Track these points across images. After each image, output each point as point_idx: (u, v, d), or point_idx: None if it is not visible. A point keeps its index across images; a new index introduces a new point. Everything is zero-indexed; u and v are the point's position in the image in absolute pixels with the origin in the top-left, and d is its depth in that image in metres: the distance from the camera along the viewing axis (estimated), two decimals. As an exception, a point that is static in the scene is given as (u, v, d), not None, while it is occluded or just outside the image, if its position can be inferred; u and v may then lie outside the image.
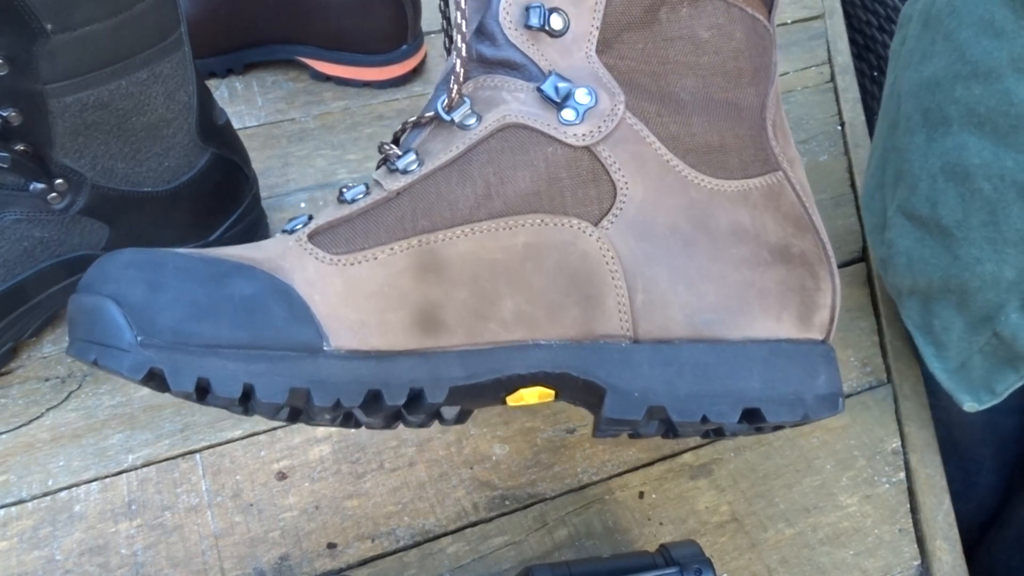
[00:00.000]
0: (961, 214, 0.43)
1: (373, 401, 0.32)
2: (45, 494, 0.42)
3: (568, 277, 0.33)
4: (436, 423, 0.36)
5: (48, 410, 0.46)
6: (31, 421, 0.45)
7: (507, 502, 0.43)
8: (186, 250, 0.33)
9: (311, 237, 0.33)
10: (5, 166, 0.42)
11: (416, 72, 0.69)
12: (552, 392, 0.35)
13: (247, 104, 0.66)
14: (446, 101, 0.34)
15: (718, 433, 0.37)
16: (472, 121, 0.34)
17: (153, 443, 0.44)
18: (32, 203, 0.44)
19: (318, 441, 0.45)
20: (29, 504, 0.42)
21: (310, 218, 0.35)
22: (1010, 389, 0.43)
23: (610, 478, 0.44)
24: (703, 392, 0.33)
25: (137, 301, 0.31)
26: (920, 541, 0.44)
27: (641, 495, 0.44)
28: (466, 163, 0.33)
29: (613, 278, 0.33)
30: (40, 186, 0.43)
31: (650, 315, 0.33)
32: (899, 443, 0.47)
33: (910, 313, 0.48)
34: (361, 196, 0.34)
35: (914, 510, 0.45)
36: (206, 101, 0.49)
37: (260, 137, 0.63)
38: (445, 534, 0.42)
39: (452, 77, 0.34)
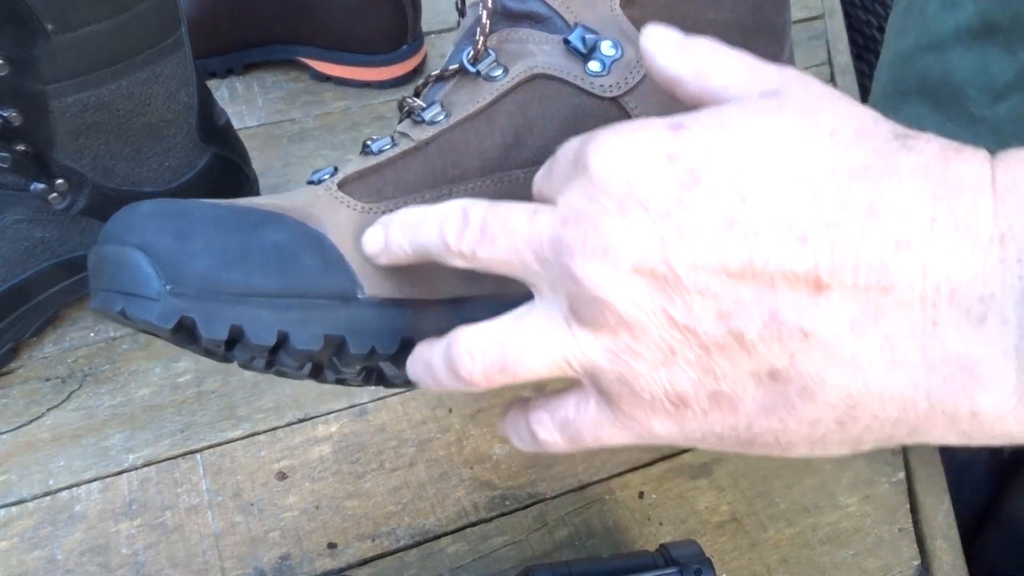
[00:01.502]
0: None
1: (406, 350, 0.32)
2: (46, 494, 0.42)
3: None
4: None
5: (49, 410, 0.46)
6: (32, 421, 0.45)
7: (507, 502, 0.43)
8: (212, 200, 0.33)
9: (340, 186, 0.33)
10: (6, 166, 0.42)
11: (416, 72, 0.69)
12: None
13: (247, 104, 0.66)
14: (471, 53, 0.34)
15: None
16: (499, 72, 0.34)
17: (153, 443, 0.44)
18: (33, 203, 0.44)
19: (318, 441, 0.45)
20: (30, 504, 0.42)
21: (336, 169, 0.35)
22: None
23: (610, 478, 0.44)
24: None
25: (165, 249, 0.30)
26: (920, 541, 0.44)
27: (641, 495, 0.44)
28: (494, 113, 0.33)
29: None
30: (41, 186, 0.43)
31: None
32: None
33: None
34: (388, 147, 0.34)
35: (914, 510, 0.45)
36: (206, 101, 0.49)
37: (260, 137, 0.63)
38: (445, 534, 0.42)
39: (478, 29, 0.34)
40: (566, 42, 0.33)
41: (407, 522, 0.42)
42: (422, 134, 0.34)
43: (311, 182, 0.35)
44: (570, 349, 0.25)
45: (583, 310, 0.25)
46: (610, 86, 0.33)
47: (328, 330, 0.31)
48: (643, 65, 0.33)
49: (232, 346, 0.31)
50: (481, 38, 0.34)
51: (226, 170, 0.52)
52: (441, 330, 0.32)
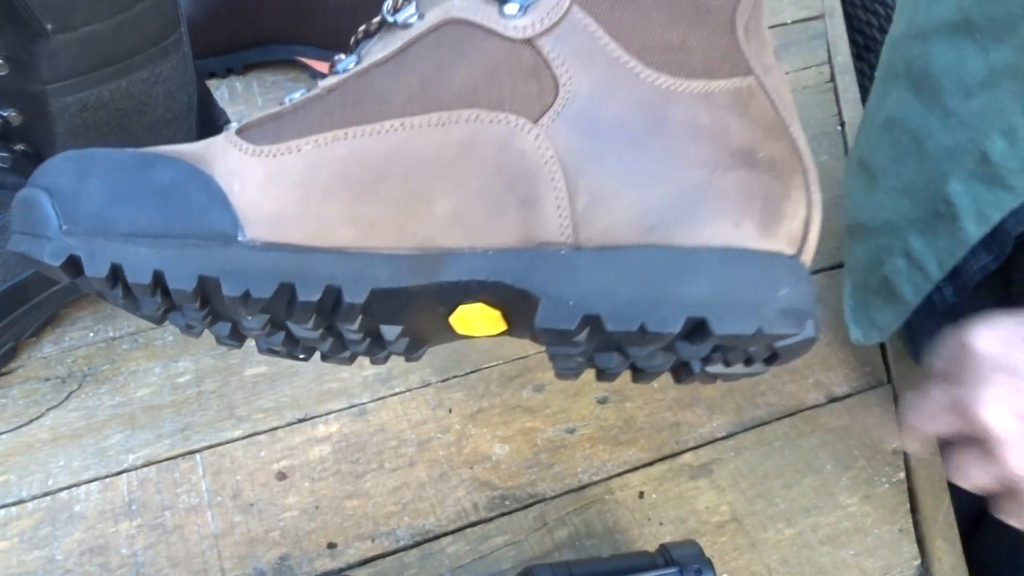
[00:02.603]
0: (885, 163, 0.46)
1: (287, 296, 0.31)
2: (45, 494, 0.42)
3: (505, 178, 0.31)
4: (386, 351, 0.35)
5: (48, 410, 0.46)
6: (31, 421, 0.45)
7: (507, 502, 0.43)
8: (121, 149, 0.34)
9: (239, 132, 0.33)
10: (5, 166, 0.42)
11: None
12: (499, 314, 0.33)
13: (247, 104, 0.66)
14: (390, 4, 0.33)
15: (683, 370, 0.34)
16: (415, 19, 0.33)
17: (153, 443, 0.44)
18: (32, 203, 0.44)
19: (318, 441, 0.45)
20: (29, 504, 0.42)
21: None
22: (891, 328, 0.46)
23: (610, 478, 0.44)
24: (644, 297, 0.30)
25: (65, 190, 0.32)
26: (920, 541, 0.44)
27: (641, 495, 0.44)
28: (403, 59, 0.32)
29: (552, 179, 0.31)
30: (40, 186, 0.43)
31: (592, 219, 0.31)
32: (899, 443, 0.47)
33: (846, 253, 0.52)
34: (299, 96, 0.34)
35: (914, 510, 0.45)
36: (206, 101, 0.49)
37: (260, 137, 0.63)
38: (445, 534, 0.42)
39: None
40: None
41: (407, 522, 0.42)
42: (330, 82, 0.33)
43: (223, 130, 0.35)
44: None
45: None
46: (524, 27, 0.31)
47: (203, 270, 0.31)
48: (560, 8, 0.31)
49: (116, 283, 0.32)
50: None
51: (226, 170, 0.52)
52: (326, 278, 0.31)
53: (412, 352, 0.36)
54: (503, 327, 0.33)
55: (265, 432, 0.45)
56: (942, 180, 0.41)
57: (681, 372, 0.34)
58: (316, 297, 0.31)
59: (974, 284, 0.45)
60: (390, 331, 0.34)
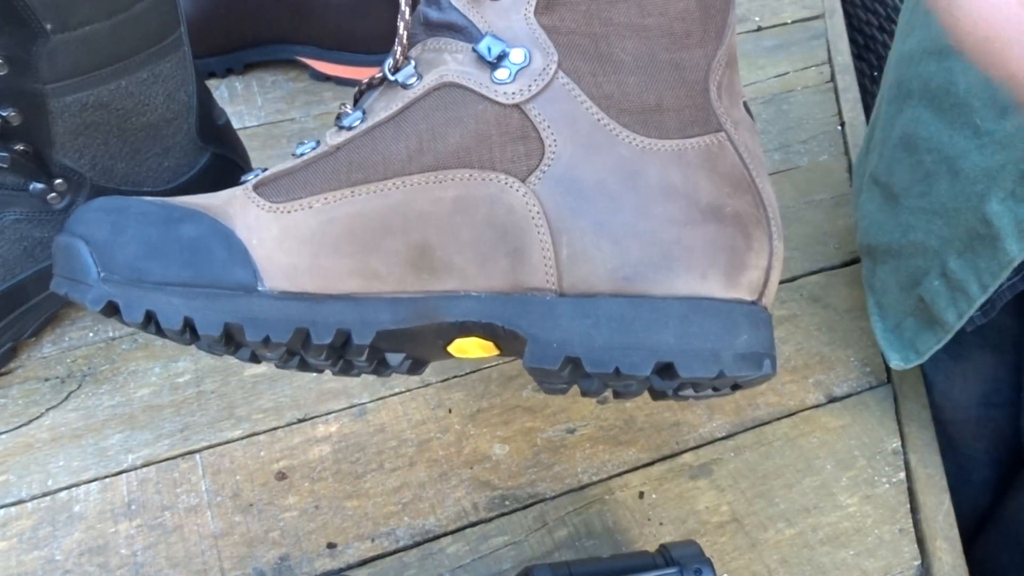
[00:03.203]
0: (907, 183, 0.46)
1: (302, 339, 0.35)
2: (45, 494, 0.42)
3: (496, 230, 0.34)
4: (392, 372, 0.39)
5: (48, 410, 0.46)
6: (31, 421, 0.45)
7: (507, 502, 0.43)
8: (149, 198, 0.37)
9: (256, 187, 0.36)
10: (5, 166, 0.42)
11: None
12: (492, 344, 0.36)
13: (247, 104, 0.66)
14: (392, 63, 0.36)
15: (658, 394, 0.37)
16: (413, 81, 0.35)
17: (153, 443, 0.44)
18: (32, 203, 0.44)
19: (318, 441, 0.45)
20: (29, 504, 0.42)
21: (264, 170, 0.38)
22: (931, 351, 0.45)
23: (610, 478, 0.44)
24: (617, 344, 0.34)
25: (102, 240, 0.36)
26: (920, 541, 0.44)
27: (641, 495, 0.44)
28: (402, 120, 0.35)
29: (538, 232, 0.34)
30: (40, 186, 0.43)
31: (574, 269, 0.34)
32: (899, 443, 0.47)
33: (866, 273, 0.51)
34: (309, 151, 0.37)
35: (914, 510, 0.45)
36: (206, 101, 0.49)
37: (260, 137, 0.63)
38: (445, 534, 0.42)
39: (396, 40, 0.36)
40: (474, 50, 0.35)
41: (407, 522, 0.42)
42: (337, 139, 0.36)
43: (241, 181, 0.38)
44: None
45: None
46: (513, 93, 0.34)
47: (228, 318, 0.35)
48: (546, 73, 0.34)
49: (153, 327, 0.35)
50: (399, 48, 0.36)
51: (226, 170, 0.52)
52: (336, 323, 0.35)
53: (414, 372, 0.39)
54: (496, 352, 0.37)
55: (265, 432, 0.45)
56: (979, 200, 0.41)
57: (656, 395, 0.38)
58: (328, 340, 0.35)
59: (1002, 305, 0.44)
60: (394, 358, 0.37)
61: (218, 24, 0.64)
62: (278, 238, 0.35)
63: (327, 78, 0.68)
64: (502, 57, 0.34)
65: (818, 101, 0.69)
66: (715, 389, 0.37)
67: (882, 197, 0.49)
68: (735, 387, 0.37)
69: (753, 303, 0.35)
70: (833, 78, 0.71)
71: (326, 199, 0.35)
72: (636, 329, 0.34)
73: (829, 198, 0.61)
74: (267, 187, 0.36)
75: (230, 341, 0.36)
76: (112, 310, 0.35)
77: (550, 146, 0.34)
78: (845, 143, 0.65)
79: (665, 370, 0.34)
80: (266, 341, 0.35)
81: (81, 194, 0.45)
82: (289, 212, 0.35)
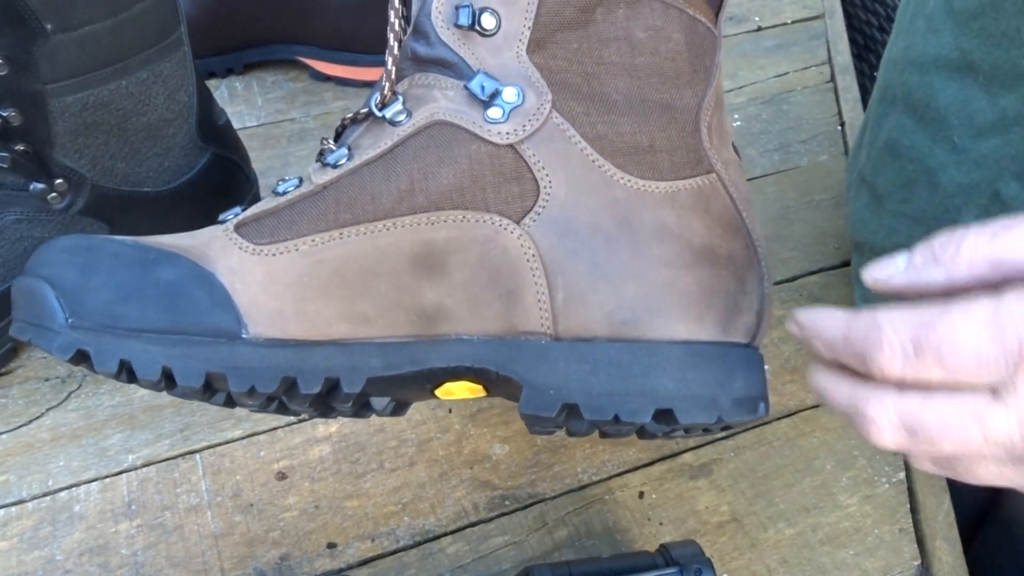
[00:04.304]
0: (891, 187, 0.46)
1: (290, 388, 0.33)
2: (45, 494, 0.42)
3: (489, 272, 0.33)
4: (373, 414, 0.37)
5: (48, 410, 0.46)
6: (31, 421, 0.45)
7: (507, 502, 0.43)
8: (121, 237, 0.35)
9: (237, 227, 0.34)
10: (5, 166, 0.42)
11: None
12: (481, 387, 0.35)
13: (247, 104, 0.66)
14: (379, 98, 0.34)
15: (645, 433, 0.37)
16: (402, 118, 0.34)
17: (153, 443, 0.44)
18: (32, 203, 0.44)
19: (318, 441, 0.45)
20: (29, 504, 0.42)
21: (243, 210, 0.36)
22: None
23: (610, 478, 0.44)
24: (616, 390, 0.33)
25: (69, 284, 0.33)
26: (920, 541, 0.44)
27: (641, 495, 0.44)
28: (392, 159, 0.34)
29: (533, 275, 0.33)
30: (40, 186, 0.43)
31: (570, 312, 0.33)
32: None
33: (854, 265, 0.53)
34: (292, 189, 0.35)
35: (914, 510, 0.45)
36: (206, 101, 0.49)
37: (260, 137, 0.63)
38: (445, 534, 0.42)
39: (384, 75, 0.35)
40: (467, 88, 0.34)
41: (407, 522, 0.42)
42: (323, 177, 0.34)
43: (219, 221, 0.36)
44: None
45: None
46: (507, 133, 0.33)
47: (210, 367, 0.32)
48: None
49: (129, 377, 0.33)
50: (387, 83, 0.34)
51: (226, 170, 0.52)
52: (325, 370, 0.33)
53: (397, 414, 0.38)
54: (483, 393, 0.36)
55: (265, 432, 0.45)
56: (956, 212, 0.42)
57: (645, 436, 0.38)
58: (316, 390, 0.33)
59: None
60: (379, 402, 0.36)
61: (218, 24, 0.64)
62: (262, 282, 0.33)
63: (327, 78, 0.68)
64: (495, 95, 0.33)
65: (818, 101, 0.69)
66: (706, 430, 0.37)
67: (869, 196, 0.49)
68: (725, 428, 0.37)
69: (747, 346, 0.35)
70: (833, 78, 0.71)
71: (313, 241, 0.33)
72: (634, 374, 0.33)
73: (829, 198, 0.61)
74: (249, 227, 0.34)
75: (207, 389, 0.34)
76: (81, 358, 0.32)
77: (545, 187, 0.33)
78: (845, 143, 0.65)
79: (662, 415, 0.34)
80: (251, 391, 0.33)
81: (81, 194, 0.45)
82: (274, 255, 0.33)
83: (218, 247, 0.34)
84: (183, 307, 0.33)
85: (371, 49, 0.66)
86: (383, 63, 0.36)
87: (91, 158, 0.44)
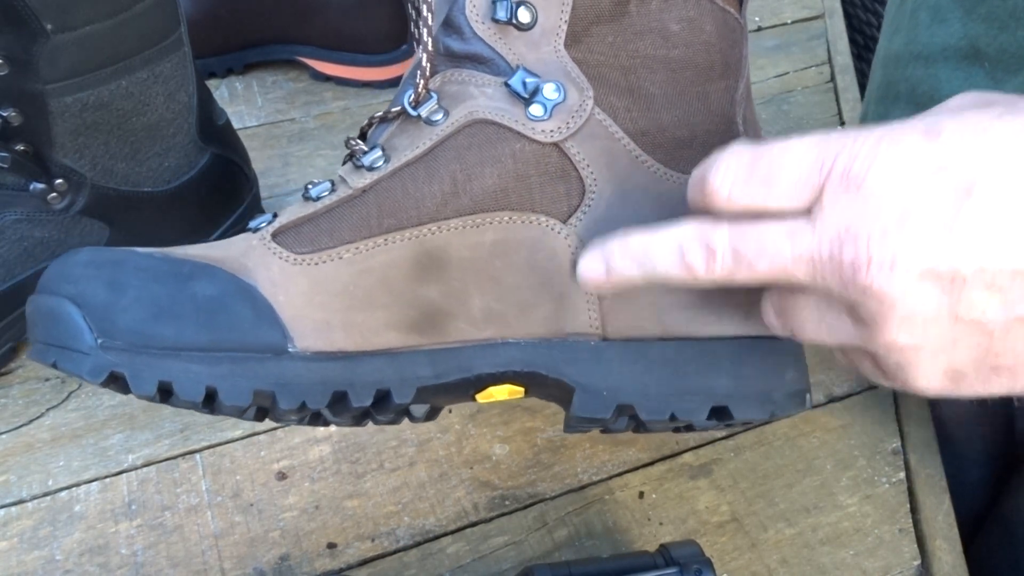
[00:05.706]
0: None
1: (339, 402, 0.32)
2: (45, 494, 0.42)
3: (538, 275, 0.33)
4: (406, 420, 0.36)
5: (48, 410, 0.46)
6: (31, 421, 0.45)
7: (507, 502, 0.43)
8: (147, 249, 0.33)
9: (275, 236, 0.33)
10: (5, 166, 0.42)
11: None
12: (522, 389, 0.35)
13: (247, 104, 0.66)
14: (412, 96, 0.33)
15: (688, 428, 0.37)
16: (439, 116, 0.33)
17: (153, 443, 0.44)
18: (32, 203, 0.44)
19: (318, 441, 0.45)
20: (29, 504, 0.42)
21: (275, 216, 0.34)
22: None
23: (610, 478, 0.44)
24: (672, 390, 0.33)
25: (97, 302, 0.30)
26: (920, 541, 0.44)
27: (641, 495, 0.44)
28: (432, 160, 0.33)
29: None
30: (40, 186, 0.43)
31: (619, 313, 0.33)
32: (899, 443, 0.47)
33: None
34: (327, 194, 0.34)
35: (914, 510, 0.45)
36: (206, 101, 0.49)
37: (260, 137, 0.63)
38: (445, 534, 0.42)
39: (418, 72, 0.33)
40: (507, 85, 0.33)
41: (407, 522, 0.42)
42: (360, 181, 0.33)
43: (249, 229, 0.34)
44: (848, 342, 0.27)
45: (864, 313, 0.26)
46: (551, 131, 0.32)
47: (258, 385, 0.31)
48: (583, 112, 0.33)
49: (166, 398, 0.31)
50: (422, 81, 0.33)
51: (226, 170, 0.52)
52: (376, 382, 0.32)
53: (431, 418, 0.37)
54: (522, 395, 0.35)
55: (265, 432, 0.45)
56: None
57: (681, 430, 0.37)
58: (368, 403, 0.32)
59: None
60: (419, 409, 0.36)
61: (218, 24, 0.64)
62: (307, 293, 0.32)
63: (327, 78, 0.68)
64: (535, 92, 0.32)
65: (818, 101, 0.69)
66: (743, 423, 0.37)
67: None
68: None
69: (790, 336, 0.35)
70: (833, 78, 0.71)
71: (357, 248, 0.32)
72: (688, 373, 0.33)
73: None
74: (288, 235, 0.33)
75: (256, 408, 0.32)
76: (116, 381, 0.30)
77: (590, 185, 0.33)
78: (845, 143, 0.65)
79: (717, 413, 0.33)
80: (301, 408, 0.31)
81: (81, 194, 0.45)
82: (317, 264, 0.32)
83: (256, 258, 0.32)
84: (225, 323, 0.31)
85: (371, 49, 0.66)
86: (387, 63, 0.35)
87: (91, 158, 0.44)
